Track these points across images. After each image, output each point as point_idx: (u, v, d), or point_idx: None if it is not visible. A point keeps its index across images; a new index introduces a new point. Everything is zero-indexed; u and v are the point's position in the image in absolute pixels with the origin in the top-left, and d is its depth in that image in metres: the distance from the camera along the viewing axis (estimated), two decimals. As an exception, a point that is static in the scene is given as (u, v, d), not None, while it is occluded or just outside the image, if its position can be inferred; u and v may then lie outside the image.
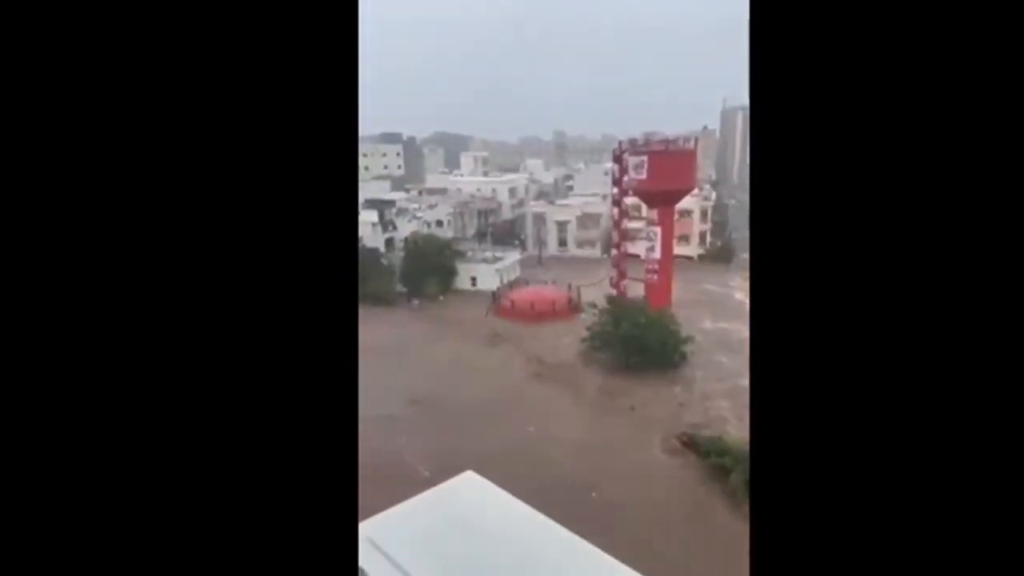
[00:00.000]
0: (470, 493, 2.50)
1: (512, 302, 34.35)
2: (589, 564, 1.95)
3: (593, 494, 16.33)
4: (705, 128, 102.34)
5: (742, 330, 30.67)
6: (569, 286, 36.31)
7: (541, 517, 2.13)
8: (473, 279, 40.16)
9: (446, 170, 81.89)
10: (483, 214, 55.29)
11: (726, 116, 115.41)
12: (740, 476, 16.34)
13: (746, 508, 15.77)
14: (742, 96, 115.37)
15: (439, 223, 48.77)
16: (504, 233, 53.96)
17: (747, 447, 16.84)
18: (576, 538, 2.01)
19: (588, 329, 27.11)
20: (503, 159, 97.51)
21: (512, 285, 39.15)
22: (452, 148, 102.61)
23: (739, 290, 38.26)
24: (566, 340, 28.76)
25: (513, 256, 43.77)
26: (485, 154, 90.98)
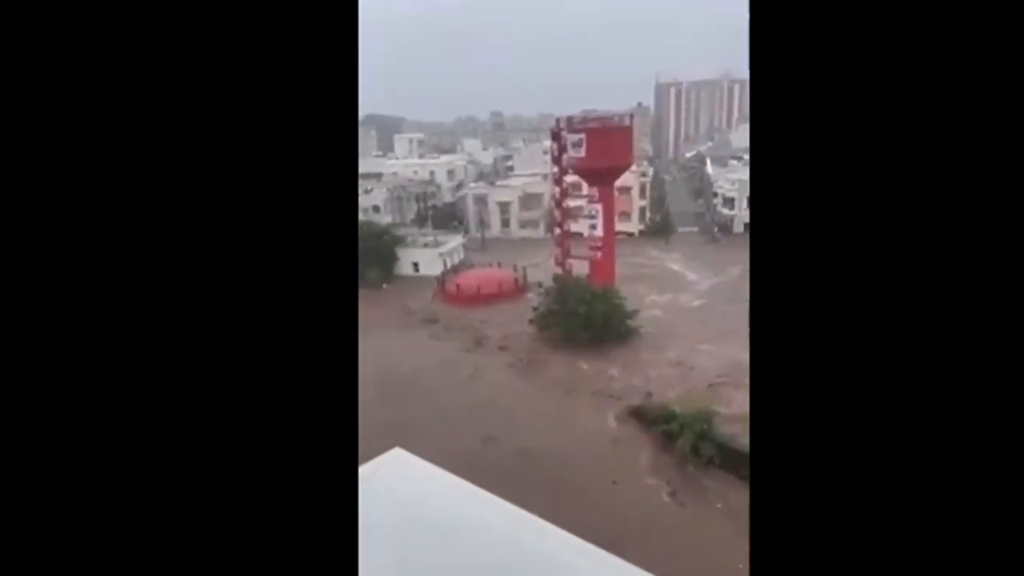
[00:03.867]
0: (398, 470, 2.37)
1: (457, 286, 33.99)
2: (524, 530, 1.88)
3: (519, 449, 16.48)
4: (640, 105, 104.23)
5: (683, 301, 31.70)
6: (514, 267, 36.27)
7: (478, 490, 2.05)
8: (415, 265, 39.42)
9: (380, 153, 79.67)
10: (421, 198, 54.21)
11: (659, 92, 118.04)
12: (687, 441, 16.87)
13: (690, 468, 16.36)
14: (674, 72, 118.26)
15: (375, 208, 47.43)
16: (445, 216, 53.30)
17: (691, 412, 17.45)
18: (510, 506, 1.95)
19: (535, 309, 27.21)
20: (439, 140, 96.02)
21: (456, 269, 38.74)
22: (385, 130, 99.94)
23: (676, 263, 39.41)
24: (514, 320, 28.77)
25: (456, 240, 43.26)
26: (420, 136, 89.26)
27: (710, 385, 20.89)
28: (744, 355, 22.13)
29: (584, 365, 23.73)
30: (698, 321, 27.93)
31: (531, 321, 27.11)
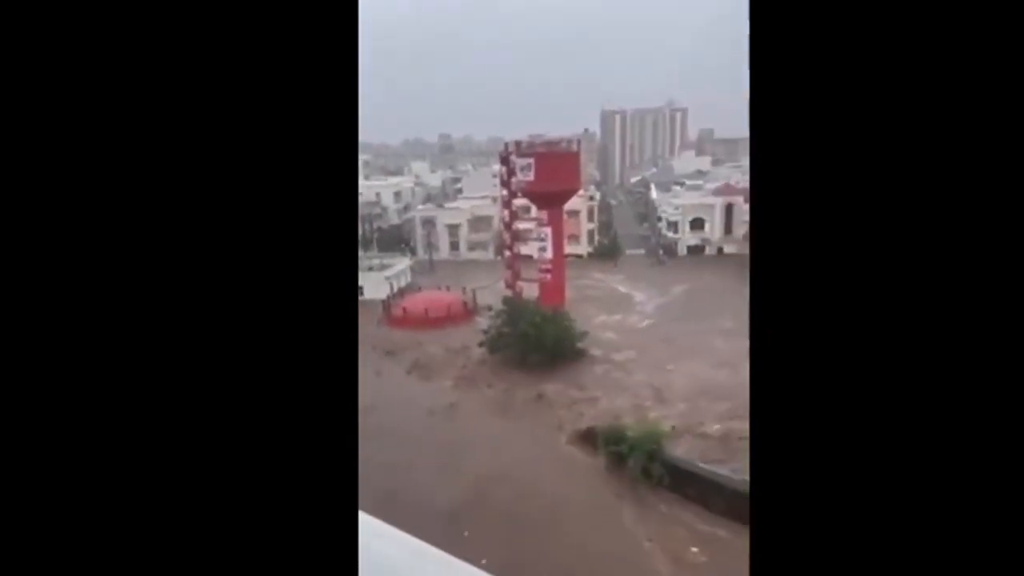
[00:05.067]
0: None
1: (404, 310, 33.23)
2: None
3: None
4: (586, 131, 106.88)
5: (632, 322, 32.08)
6: (463, 289, 35.86)
7: (433, 551, 2.00)
8: (360, 288, 38.40)
9: (326, 175, 78.06)
10: (367, 220, 53.12)
11: (605, 119, 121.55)
12: (636, 463, 16.78)
13: (641, 491, 16.26)
14: (619, 100, 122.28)
15: (321, 230, 46.07)
16: (391, 239, 52.44)
17: (641, 434, 17.41)
18: (434, 550, 1.97)
19: (485, 332, 26.86)
20: (386, 162, 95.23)
21: (403, 293, 37.95)
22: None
23: (624, 284, 40.04)
24: (463, 343, 28.25)
25: (403, 262, 42.48)
26: (366, 157, 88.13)
27: (684, 404, 20.88)
28: (703, 372, 22.49)
29: (535, 387, 23.42)
30: (648, 341, 28.22)
31: (481, 344, 26.72)
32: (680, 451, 17.61)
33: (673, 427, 18.94)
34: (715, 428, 18.71)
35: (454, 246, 51.84)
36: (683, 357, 25.06)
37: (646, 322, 32.05)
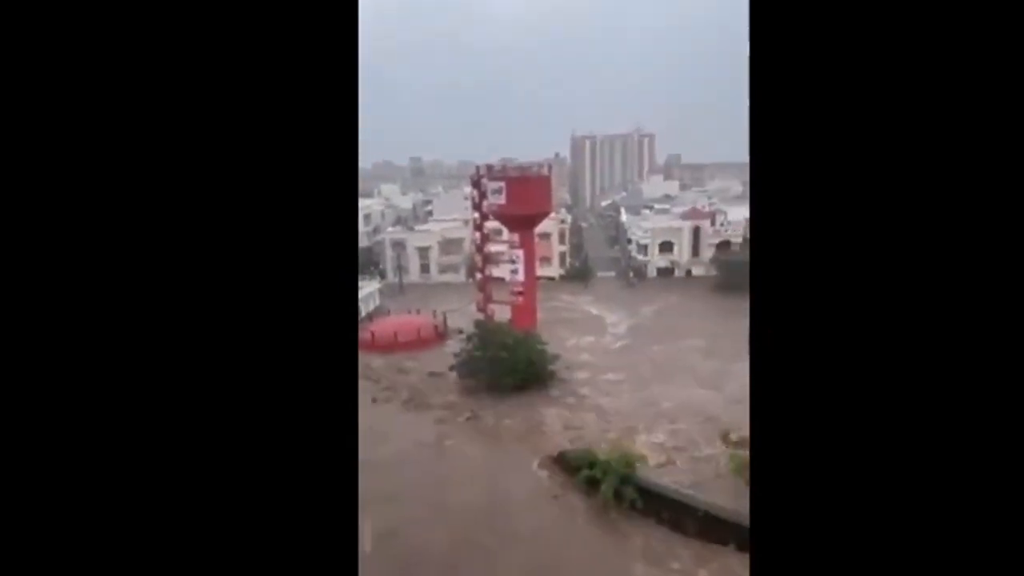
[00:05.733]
0: None
1: (372, 334, 32.65)
2: None
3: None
4: (557, 155, 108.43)
5: (605, 343, 32.10)
6: (434, 313, 35.46)
7: None
8: (330, 311, 37.58)
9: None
10: (339, 242, 52.34)
11: (575, 144, 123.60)
12: (609, 487, 16.55)
13: (613, 515, 16.00)
14: (589, 125, 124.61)
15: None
16: (361, 261, 51.84)
17: (614, 458, 17.22)
18: None
19: (456, 355, 26.47)
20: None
21: (372, 316, 37.34)
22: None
23: (594, 306, 40.16)
24: (435, 368, 27.79)
25: (371, 285, 41.90)
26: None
27: (668, 424, 20.73)
28: (681, 392, 22.31)
29: (506, 411, 23.06)
30: (623, 362, 28.15)
31: (451, 368, 26.29)
32: (663, 472, 17.47)
33: (660, 448, 18.82)
34: (704, 450, 18.64)
35: (425, 269, 51.42)
36: (660, 378, 25.07)
37: (619, 343, 32.09)
